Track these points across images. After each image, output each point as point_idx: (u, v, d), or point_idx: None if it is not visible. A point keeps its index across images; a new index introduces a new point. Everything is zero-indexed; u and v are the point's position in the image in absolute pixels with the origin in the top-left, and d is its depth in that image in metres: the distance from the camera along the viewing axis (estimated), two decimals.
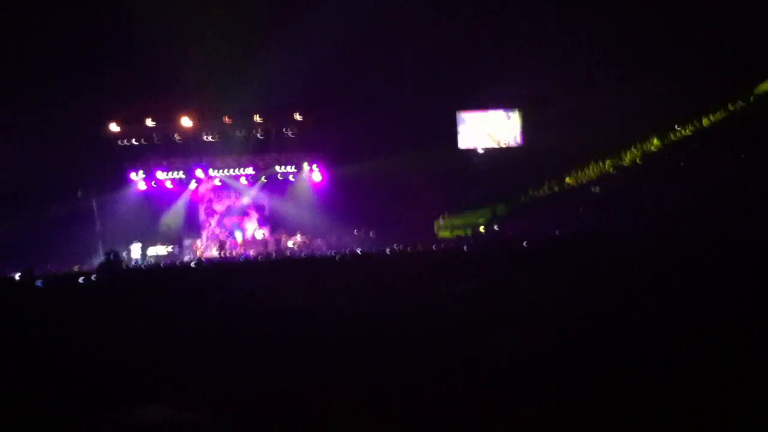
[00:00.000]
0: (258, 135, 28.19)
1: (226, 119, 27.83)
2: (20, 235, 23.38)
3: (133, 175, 27.76)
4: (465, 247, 14.71)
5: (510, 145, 28.85)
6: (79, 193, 26.52)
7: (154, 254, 26.46)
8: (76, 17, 23.43)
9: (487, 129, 28.91)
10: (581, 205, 23.36)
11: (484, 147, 28.89)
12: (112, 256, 17.26)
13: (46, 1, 23.86)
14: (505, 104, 28.78)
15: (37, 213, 24.75)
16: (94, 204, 26.77)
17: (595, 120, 24.99)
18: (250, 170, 28.51)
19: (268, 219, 28.94)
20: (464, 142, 28.92)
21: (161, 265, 21.19)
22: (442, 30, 25.36)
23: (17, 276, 14.35)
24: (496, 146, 28.85)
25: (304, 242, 27.46)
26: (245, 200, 29.07)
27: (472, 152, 28.98)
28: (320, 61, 24.37)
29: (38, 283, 12.64)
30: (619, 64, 25.44)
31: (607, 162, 26.06)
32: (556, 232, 16.74)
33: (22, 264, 16.83)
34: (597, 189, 24.95)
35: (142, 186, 27.94)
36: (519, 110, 28.85)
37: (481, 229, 25.02)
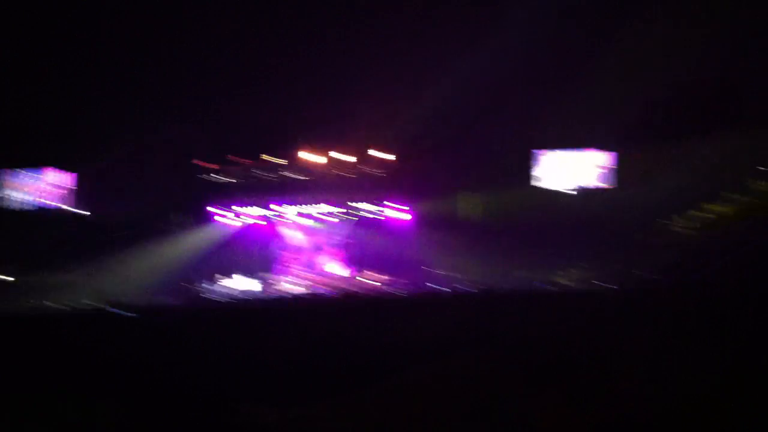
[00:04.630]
0: (345, 174, 28.77)
1: (313, 157, 28.55)
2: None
3: (217, 210, 28.69)
4: None
5: (591, 187, 28.33)
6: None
7: (238, 287, 27.04)
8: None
9: (569, 170, 28.48)
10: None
11: (564, 188, 28.47)
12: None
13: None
14: (588, 144, 28.29)
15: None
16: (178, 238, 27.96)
17: (689, 165, 24.47)
18: (335, 208, 29.02)
19: (352, 257, 29.11)
20: (544, 182, 28.54)
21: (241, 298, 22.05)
22: (526, 69, 25.30)
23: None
24: (576, 187, 28.40)
25: (386, 281, 27.40)
26: (330, 238, 29.43)
27: (552, 193, 28.57)
28: (405, 103, 24.85)
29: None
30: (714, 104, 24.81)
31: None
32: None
33: None
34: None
35: (227, 221, 28.80)
36: (604, 151, 28.25)
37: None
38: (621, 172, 27.53)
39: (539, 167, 28.46)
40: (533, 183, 28.25)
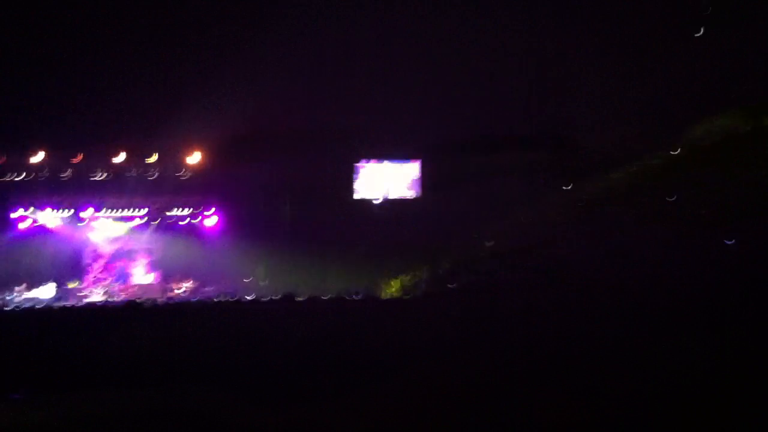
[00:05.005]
0: (151, 176, 27.38)
1: (118, 158, 26.80)
2: None
3: (14, 214, 26.43)
4: None
5: (406, 198, 28.61)
6: None
7: (35, 297, 25.23)
8: None
9: (384, 180, 28.61)
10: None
11: (380, 198, 28.62)
12: None
13: None
14: (404, 155, 28.65)
15: None
16: None
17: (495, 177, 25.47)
18: (140, 212, 27.64)
19: (157, 263, 27.97)
20: (361, 193, 28.56)
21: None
22: (344, 81, 25.29)
23: None
24: (392, 198, 28.58)
25: (193, 288, 26.84)
26: (134, 243, 28.05)
27: (369, 203, 28.62)
28: (218, 106, 24.13)
29: None
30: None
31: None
32: None
33: None
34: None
35: (23, 225, 26.59)
36: (418, 162, 28.64)
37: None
38: (438, 180, 28.09)
39: (359, 179, 28.46)
40: (351, 194, 28.25)
